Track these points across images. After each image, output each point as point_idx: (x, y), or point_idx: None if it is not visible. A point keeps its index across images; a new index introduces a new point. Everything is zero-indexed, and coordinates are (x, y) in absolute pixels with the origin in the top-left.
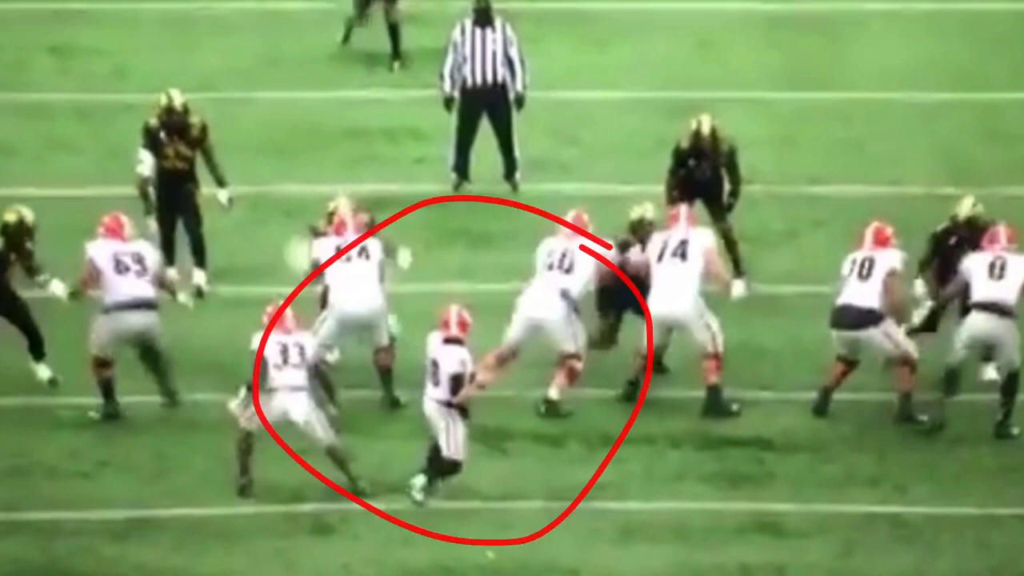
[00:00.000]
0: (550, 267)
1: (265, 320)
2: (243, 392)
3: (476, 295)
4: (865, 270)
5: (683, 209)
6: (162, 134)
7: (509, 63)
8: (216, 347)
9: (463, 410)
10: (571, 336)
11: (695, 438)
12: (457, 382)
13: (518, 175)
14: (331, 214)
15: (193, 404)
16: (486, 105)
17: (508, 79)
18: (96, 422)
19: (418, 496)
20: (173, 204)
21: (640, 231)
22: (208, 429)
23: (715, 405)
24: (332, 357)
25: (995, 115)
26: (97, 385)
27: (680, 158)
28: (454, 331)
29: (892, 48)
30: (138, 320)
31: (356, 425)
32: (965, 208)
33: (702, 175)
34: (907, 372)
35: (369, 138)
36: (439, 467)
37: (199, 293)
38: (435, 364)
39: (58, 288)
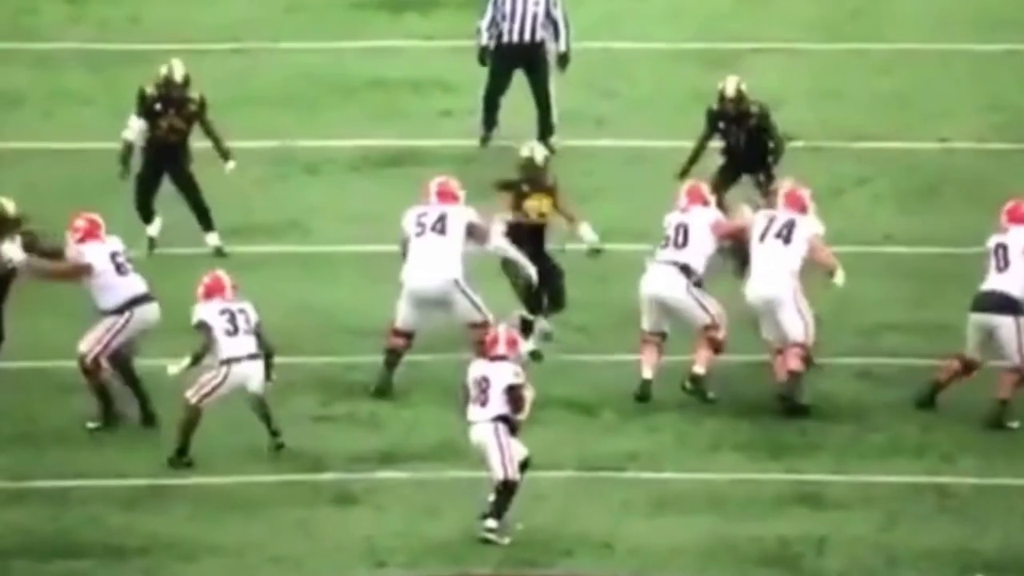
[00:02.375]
0: (666, 244)
1: (201, 290)
2: (187, 361)
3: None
4: (1001, 260)
5: (785, 184)
6: (158, 106)
7: (553, 23)
8: None
9: (512, 428)
10: (699, 308)
11: (731, 405)
12: (514, 392)
13: (554, 139)
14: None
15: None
16: (523, 62)
17: (548, 38)
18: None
19: (497, 537)
20: (160, 168)
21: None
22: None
23: (791, 390)
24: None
25: None
26: (93, 391)
27: (712, 121)
28: (502, 350)
29: None
30: (154, 312)
31: (382, 391)
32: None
33: (735, 140)
34: (1015, 380)
35: (394, 89)
36: (503, 498)
37: (219, 252)
38: (485, 381)
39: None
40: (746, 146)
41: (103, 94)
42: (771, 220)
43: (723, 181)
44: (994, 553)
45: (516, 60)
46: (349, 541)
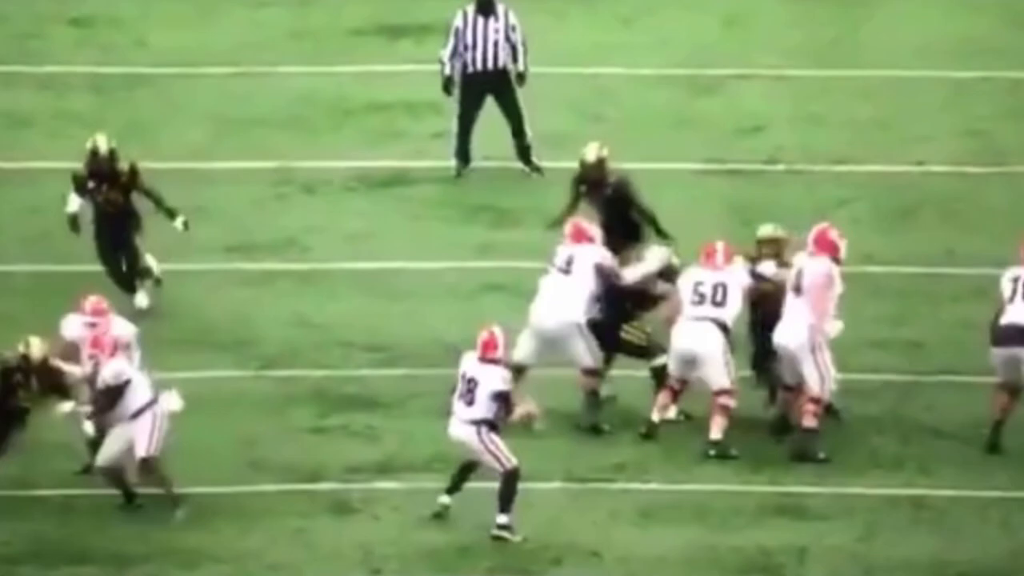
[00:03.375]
0: (701, 300)
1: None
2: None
3: (496, 272)
4: (1021, 293)
5: (812, 232)
6: (91, 183)
7: (512, 48)
8: (232, 323)
9: (493, 425)
10: (724, 370)
11: None
12: (503, 399)
13: (535, 158)
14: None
15: (209, 381)
16: (490, 89)
17: (509, 63)
18: None
19: (511, 535)
20: (114, 242)
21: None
22: (222, 405)
23: (805, 447)
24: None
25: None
26: (115, 487)
27: (574, 185)
28: (500, 353)
29: (919, 25)
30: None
31: (377, 403)
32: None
33: (597, 205)
34: None
35: (389, 112)
36: (507, 489)
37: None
38: (472, 382)
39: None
40: (604, 214)
41: (108, 116)
42: (790, 271)
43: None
44: (969, 563)
45: (484, 87)
46: (345, 549)
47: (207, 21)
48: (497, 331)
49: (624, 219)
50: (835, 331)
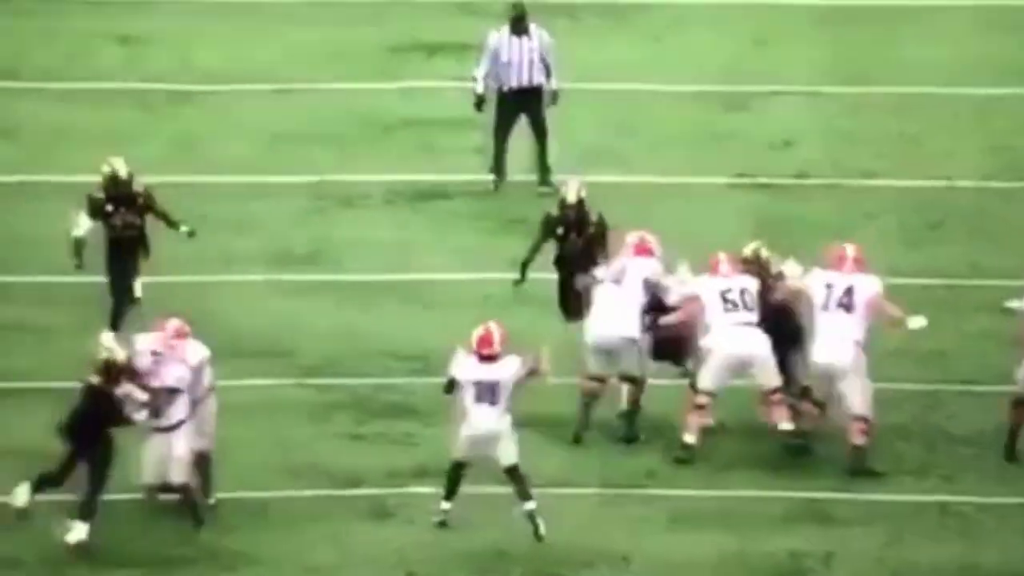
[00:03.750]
0: (735, 307)
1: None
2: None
3: (530, 284)
4: None
5: (848, 250)
6: (108, 207)
7: (545, 67)
8: (273, 333)
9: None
10: (776, 370)
11: (745, 426)
12: (524, 382)
13: (553, 178)
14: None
15: (249, 388)
16: (524, 107)
17: (543, 81)
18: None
19: (542, 529)
20: (126, 264)
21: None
22: (264, 413)
23: (859, 465)
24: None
25: None
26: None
27: (549, 227)
28: (497, 349)
29: (947, 42)
30: None
31: (414, 411)
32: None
33: (572, 247)
34: None
35: (429, 128)
36: (519, 481)
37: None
38: (490, 383)
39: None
40: (582, 253)
41: (155, 132)
42: (830, 287)
43: (561, 290)
44: (993, 568)
45: (518, 105)
46: (381, 553)
47: (250, 40)
48: (494, 327)
49: (594, 255)
50: (919, 324)
